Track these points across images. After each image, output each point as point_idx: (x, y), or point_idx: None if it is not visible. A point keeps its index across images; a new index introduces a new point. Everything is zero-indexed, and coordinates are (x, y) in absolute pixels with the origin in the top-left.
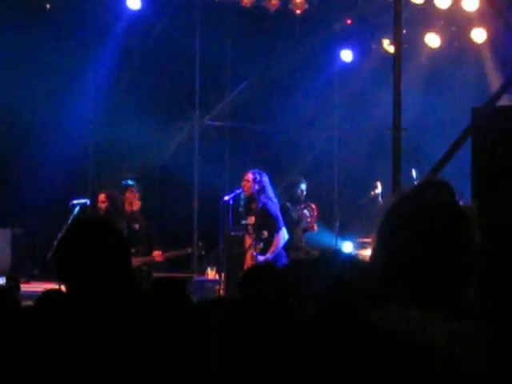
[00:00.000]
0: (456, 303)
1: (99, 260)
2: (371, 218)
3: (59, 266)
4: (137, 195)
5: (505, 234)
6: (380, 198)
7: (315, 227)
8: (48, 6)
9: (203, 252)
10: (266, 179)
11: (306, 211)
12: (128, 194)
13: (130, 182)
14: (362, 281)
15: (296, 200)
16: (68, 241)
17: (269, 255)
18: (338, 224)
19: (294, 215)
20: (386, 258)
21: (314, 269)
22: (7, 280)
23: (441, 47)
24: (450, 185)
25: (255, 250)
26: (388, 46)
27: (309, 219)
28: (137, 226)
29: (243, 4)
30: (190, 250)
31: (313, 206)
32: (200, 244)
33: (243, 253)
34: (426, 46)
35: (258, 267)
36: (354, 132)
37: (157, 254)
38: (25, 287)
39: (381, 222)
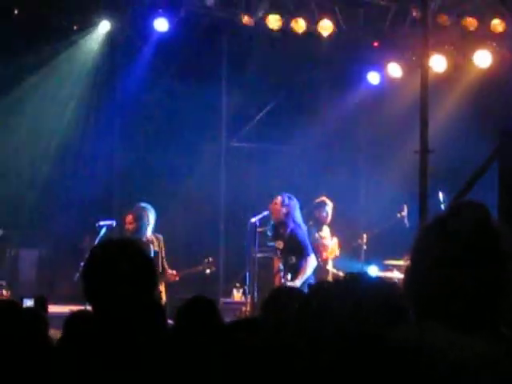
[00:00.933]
0: (491, 326)
1: (125, 282)
2: (397, 240)
3: (86, 287)
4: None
5: None
6: (406, 221)
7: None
8: (76, 27)
9: (213, 268)
10: (294, 203)
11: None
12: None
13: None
14: (386, 302)
15: (320, 223)
16: (95, 262)
17: (297, 282)
18: (364, 247)
19: (317, 237)
20: (422, 278)
21: (338, 292)
22: (35, 302)
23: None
24: (484, 205)
25: (284, 277)
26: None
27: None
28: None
29: (270, 27)
30: (201, 268)
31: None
32: (210, 260)
33: (270, 275)
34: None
35: (283, 289)
36: (381, 154)
37: (171, 274)
38: (52, 308)
39: (417, 244)
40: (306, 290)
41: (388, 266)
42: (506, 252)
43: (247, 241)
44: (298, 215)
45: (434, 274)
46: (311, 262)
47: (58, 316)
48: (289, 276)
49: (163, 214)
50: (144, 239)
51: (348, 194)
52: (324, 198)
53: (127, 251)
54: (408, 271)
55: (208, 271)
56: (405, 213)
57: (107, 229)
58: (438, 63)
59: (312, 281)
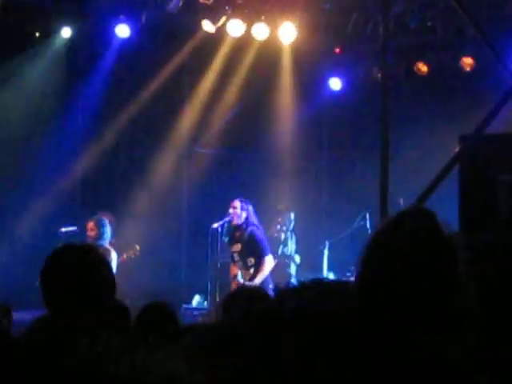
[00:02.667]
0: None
1: (82, 287)
2: (359, 247)
3: (44, 293)
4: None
5: (493, 260)
6: (368, 227)
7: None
8: (38, 34)
9: (137, 254)
10: (250, 208)
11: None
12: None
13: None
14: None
15: (285, 230)
16: (50, 269)
17: (256, 280)
18: (326, 253)
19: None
20: (365, 282)
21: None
22: None
23: (431, 73)
24: (428, 211)
25: (244, 278)
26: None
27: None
28: None
29: (231, 33)
30: (125, 256)
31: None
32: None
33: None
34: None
35: (241, 290)
36: (343, 160)
37: None
38: (17, 315)
39: (364, 248)
40: (266, 289)
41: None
42: (443, 262)
43: (209, 247)
44: (254, 218)
45: (376, 279)
46: (269, 262)
47: (24, 323)
48: (251, 271)
49: (125, 219)
50: (105, 246)
51: (310, 201)
52: (286, 204)
53: (85, 256)
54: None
55: (132, 256)
56: (366, 219)
57: (69, 235)
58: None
59: (270, 283)
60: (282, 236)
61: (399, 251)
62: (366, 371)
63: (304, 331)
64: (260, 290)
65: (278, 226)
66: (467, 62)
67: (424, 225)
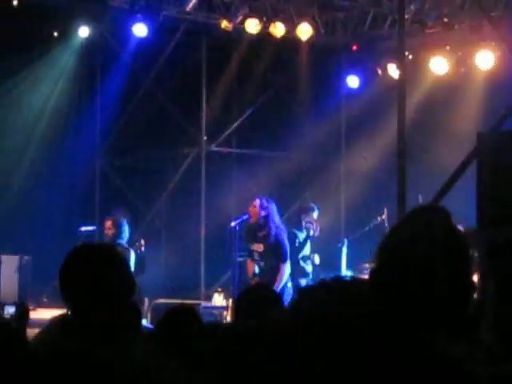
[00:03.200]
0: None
1: (100, 286)
2: (377, 244)
3: (63, 291)
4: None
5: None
6: (386, 224)
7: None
8: (56, 33)
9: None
10: (272, 206)
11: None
12: None
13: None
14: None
15: (307, 229)
16: (69, 267)
17: (276, 286)
18: (344, 250)
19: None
20: (378, 278)
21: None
22: (17, 308)
23: (448, 73)
24: (443, 209)
25: (263, 277)
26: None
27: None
28: None
29: (248, 31)
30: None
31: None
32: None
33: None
34: (431, 71)
35: (253, 290)
36: (360, 158)
37: None
38: (33, 314)
39: (379, 245)
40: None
41: (368, 269)
42: (458, 259)
43: (227, 245)
44: (277, 218)
45: (389, 278)
46: (288, 268)
47: (40, 322)
48: (266, 277)
49: (144, 217)
50: (124, 245)
51: (329, 199)
52: (309, 204)
53: (100, 256)
54: (376, 275)
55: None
56: (385, 216)
57: (89, 235)
58: (438, 65)
59: (287, 286)
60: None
61: (413, 248)
62: (368, 371)
63: (313, 333)
64: (271, 291)
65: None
66: (484, 58)
67: (439, 221)
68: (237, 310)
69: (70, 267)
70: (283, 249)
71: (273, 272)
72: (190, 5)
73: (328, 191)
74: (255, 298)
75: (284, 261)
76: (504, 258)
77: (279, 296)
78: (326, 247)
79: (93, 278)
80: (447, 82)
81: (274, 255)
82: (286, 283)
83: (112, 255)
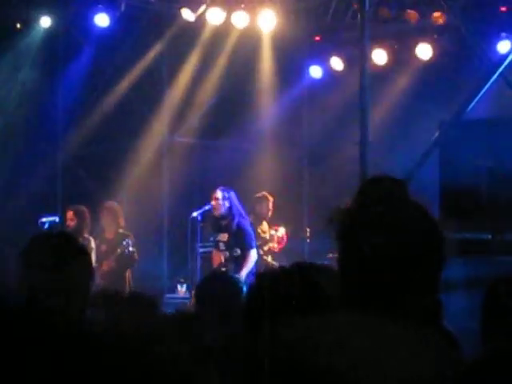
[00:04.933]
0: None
1: (57, 275)
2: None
3: (18, 280)
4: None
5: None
6: None
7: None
8: (19, 25)
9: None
10: (233, 195)
11: (273, 232)
12: None
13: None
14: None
15: (262, 217)
16: (26, 256)
17: (242, 273)
18: (307, 241)
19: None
20: (341, 261)
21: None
22: None
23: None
24: (393, 178)
25: (229, 267)
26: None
27: (275, 244)
28: None
29: (211, 21)
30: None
31: (283, 232)
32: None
33: (213, 269)
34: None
35: (213, 278)
36: (324, 147)
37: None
38: None
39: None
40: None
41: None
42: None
43: (188, 236)
44: (239, 206)
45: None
46: (254, 255)
47: None
48: (232, 266)
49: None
50: (85, 235)
51: (290, 189)
52: (265, 193)
53: (63, 243)
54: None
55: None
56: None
57: (50, 225)
58: (379, 56)
59: (253, 275)
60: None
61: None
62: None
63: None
64: (231, 278)
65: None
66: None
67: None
68: (197, 299)
69: (28, 256)
70: (246, 236)
71: (238, 260)
72: None
73: (290, 182)
74: (215, 287)
75: (248, 248)
76: None
77: (239, 283)
78: (290, 237)
79: (51, 266)
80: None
81: (238, 244)
82: (251, 270)
83: (71, 243)
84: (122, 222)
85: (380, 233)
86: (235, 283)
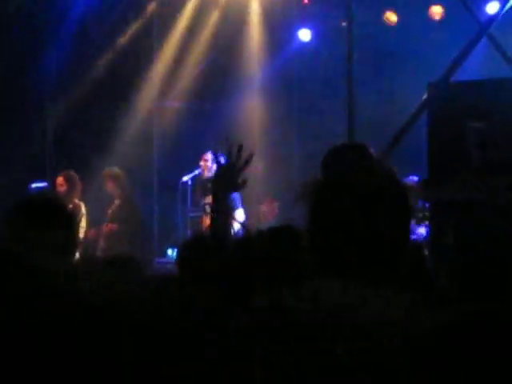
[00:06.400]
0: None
1: (39, 238)
2: None
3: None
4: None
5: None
6: None
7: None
8: None
9: None
10: (222, 159)
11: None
12: None
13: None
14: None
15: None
16: (10, 220)
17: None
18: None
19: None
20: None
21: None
22: None
23: (399, 24)
24: (368, 147)
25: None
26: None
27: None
28: None
29: None
30: None
31: (273, 203)
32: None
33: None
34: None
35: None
36: (313, 112)
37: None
38: None
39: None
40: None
41: None
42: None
43: (178, 200)
44: None
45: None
46: (240, 215)
47: None
48: None
49: (96, 173)
50: (75, 201)
51: (281, 155)
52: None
53: (40, 208)
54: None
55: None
56: None
57: (39, 191)
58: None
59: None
60: None
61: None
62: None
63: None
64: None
65: None
66: (436, 11)
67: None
68: (180, 261)
69: (10, 219)
70: (232, 197)
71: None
72: None
73: (280, 145)
74: (198, 247)
75: (233, 209)
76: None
77: (223, 243)
78: (284, 204)
79: (36, 229)
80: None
81: None
82: (238, 231)
83: (51, 205)
84: (125, 185)
85: (348, 201)
86: (218, 244)
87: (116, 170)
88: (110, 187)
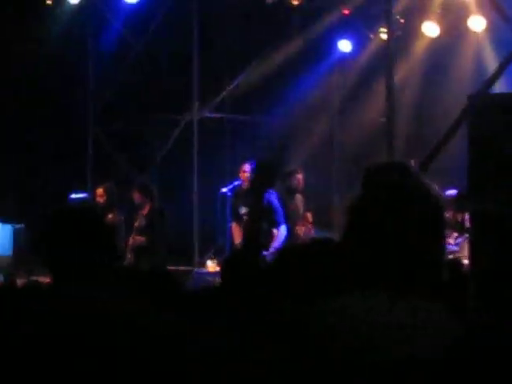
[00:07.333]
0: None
1: (77, 250)
2: None
3: (42, 256)
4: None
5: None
6: None
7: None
8: (49, 1)
9: None
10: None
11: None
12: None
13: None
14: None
15: (292, 191)
16: (46, 231)
17: (271, 250)
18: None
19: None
20: (352, 240)
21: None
22: (5, 277)
23: (439, 36)
24: (408, 165)
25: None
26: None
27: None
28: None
29: None
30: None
31: (308, 216)
32: None
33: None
34: (424, 35)
35: (237, 254)
36: (354, 122)
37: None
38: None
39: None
40: None
41: None
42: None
43: (218, 211)
44: None
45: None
46: (283, 231)
47: None
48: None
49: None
50: (115, 211)
51: (321, 167)
52: (295, 167)
53: (86, 216)
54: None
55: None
56: None
57: (80, 202)
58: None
59: None
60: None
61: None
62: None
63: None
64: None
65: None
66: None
67: (396, 177)
68: (224, 274)
69: (46, 232)
70: (276, 213)
71: (264, 236)
72: None
73: (320, 155)
74: (241, 262)
75: (278, 225)
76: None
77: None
78: (318, 216)
79: (69, 241)
80: (440, 44)
81: (266, 219)
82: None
83: (94, 216)
84: (152, 196)
85: (388, 215)
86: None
87: (144, 183)
88: (138, 198)
